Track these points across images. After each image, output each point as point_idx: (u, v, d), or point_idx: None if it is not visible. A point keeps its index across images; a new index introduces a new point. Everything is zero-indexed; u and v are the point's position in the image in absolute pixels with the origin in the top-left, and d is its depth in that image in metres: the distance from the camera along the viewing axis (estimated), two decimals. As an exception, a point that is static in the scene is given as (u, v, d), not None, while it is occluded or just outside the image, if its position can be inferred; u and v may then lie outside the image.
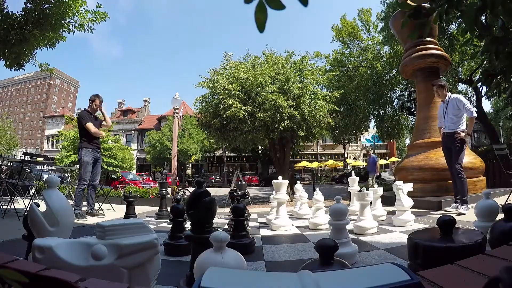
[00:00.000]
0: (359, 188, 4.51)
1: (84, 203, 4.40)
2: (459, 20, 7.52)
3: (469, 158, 5.02)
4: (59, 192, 1.39)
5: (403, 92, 13.19)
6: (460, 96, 4.05)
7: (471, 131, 3.99)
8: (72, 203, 4.54)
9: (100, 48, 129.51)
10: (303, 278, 0.52)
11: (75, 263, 0.95)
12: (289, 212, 3.96)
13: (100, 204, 5.08)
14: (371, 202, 3.21)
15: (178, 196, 3.01)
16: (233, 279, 0.53)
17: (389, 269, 0.55)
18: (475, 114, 3.90)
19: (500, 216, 1.36)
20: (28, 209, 2.48)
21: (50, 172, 7.31)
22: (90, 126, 4.32)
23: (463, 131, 3.89)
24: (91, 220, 3.89)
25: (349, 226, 2.26)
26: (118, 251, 1.00)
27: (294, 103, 8.95)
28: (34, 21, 4.46)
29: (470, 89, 15.47)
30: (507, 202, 3.42)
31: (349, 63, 15.75)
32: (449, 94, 4.14)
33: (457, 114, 3.94)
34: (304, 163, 31.27)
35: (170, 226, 2.34)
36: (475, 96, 13.77)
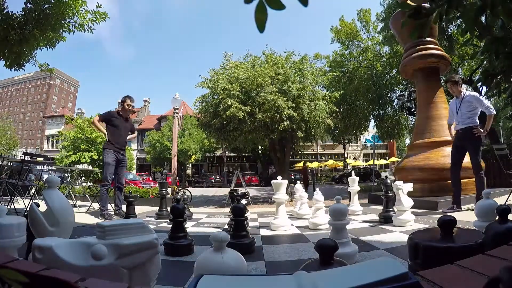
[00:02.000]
0: (359, 188, 4.51)
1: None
2: (459, 21, 7.52)
3: (469, 157, 5.02)
4: (59, 192, 1.39)
5: (403, 92, 13.18)
6: (477, 94, 3.91)
7: (489, 127, 3.83)
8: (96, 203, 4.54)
9: (100, 49, 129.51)
10: (299, 279, 0.52)
11: (75, 263, 0.95)
12: (289, 212, 3.95)
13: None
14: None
15: (178, 196, 3.01)
16: (228, 286, 0.53)
17: (384, 264, 0.54)
18: (494, 112, 3.75)
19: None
20: (28, 209, 2.48)
21: (50, 172, 7.29)
22: (95, 119, 4.51)
23: (480, 128, 3.76)
24: (91, 220, 3.89)
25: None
26: (118, 251, 1.00)
27: (294, 104, 8.93)
28: (34, 21, 4.46)
29: (470, 89, 15.46)
30: (507, 202, 3.43)
31: (349, 63, 15.74)
32: (463, 90, 3.98)
33: (472, 111, 3.80)
34: (304, 163, 31.24)
35: (170, 226, 2.34)
36: (475, 96, 13.73)
